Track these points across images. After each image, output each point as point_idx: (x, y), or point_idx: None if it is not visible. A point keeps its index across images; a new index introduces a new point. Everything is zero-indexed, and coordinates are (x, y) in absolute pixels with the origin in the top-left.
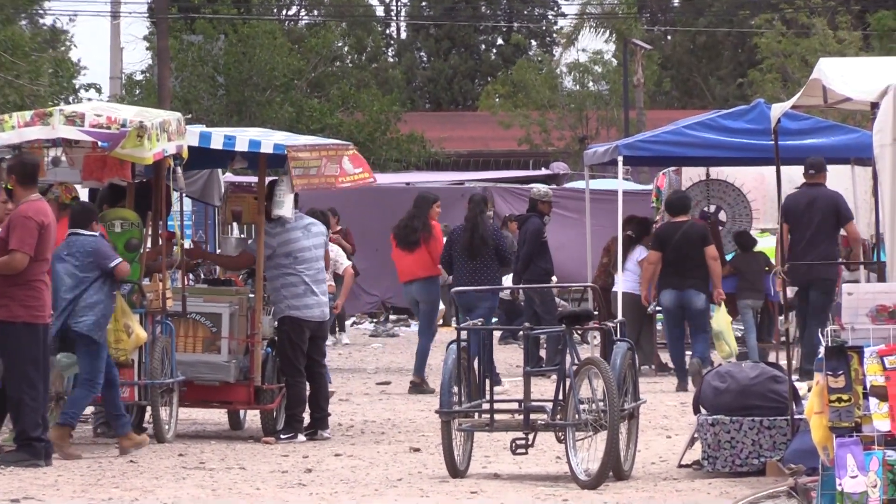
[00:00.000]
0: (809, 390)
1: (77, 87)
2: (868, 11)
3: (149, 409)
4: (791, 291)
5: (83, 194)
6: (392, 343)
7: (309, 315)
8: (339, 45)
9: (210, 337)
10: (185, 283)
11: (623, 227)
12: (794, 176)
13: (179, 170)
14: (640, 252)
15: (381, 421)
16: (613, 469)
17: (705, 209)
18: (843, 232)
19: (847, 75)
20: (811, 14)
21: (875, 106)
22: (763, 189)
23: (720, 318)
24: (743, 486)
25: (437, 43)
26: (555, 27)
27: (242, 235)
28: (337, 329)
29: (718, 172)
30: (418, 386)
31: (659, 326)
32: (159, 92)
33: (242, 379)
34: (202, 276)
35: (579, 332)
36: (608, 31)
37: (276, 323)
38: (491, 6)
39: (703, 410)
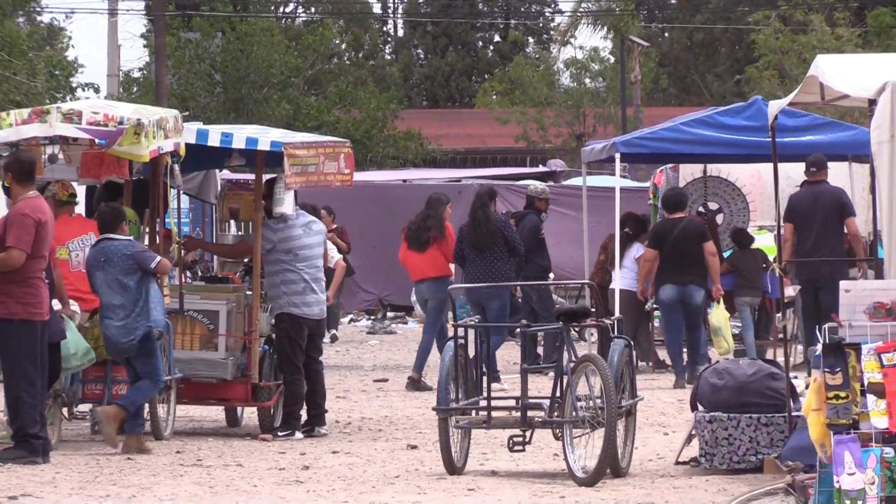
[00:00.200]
0: (807, 387)
1: (74, 85)
2: (866, 8)
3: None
4: (794, 290)
5: (80, 192)
6: (389, 340)
7: (309, 313)
8: (337, 42)
9: (207, 334)
10: (183, 280)
11: (620, 224)
12: (791, 173)
13: (177, 167)
14: (637, 249)
15: (378, 418)
16: (611, 466)
17: (701, 208)
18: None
19: (844, 72)
20: (809, 11)
21: (873, 103)
22: (760, 186)
23: (718, 315)
24: (740, 483)
25: (435, 40)
26: (552, 24)
27: (240, 233)
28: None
29: (716, 169)
30: (416, 382)
31: (656, 323)
32: (156, 89)
33: (240, 376)
34: (199, 273)
35: (577, 329)
36: (605, 28)
37: (273, 320)
38: (488, 3)
39: (700, 407)
